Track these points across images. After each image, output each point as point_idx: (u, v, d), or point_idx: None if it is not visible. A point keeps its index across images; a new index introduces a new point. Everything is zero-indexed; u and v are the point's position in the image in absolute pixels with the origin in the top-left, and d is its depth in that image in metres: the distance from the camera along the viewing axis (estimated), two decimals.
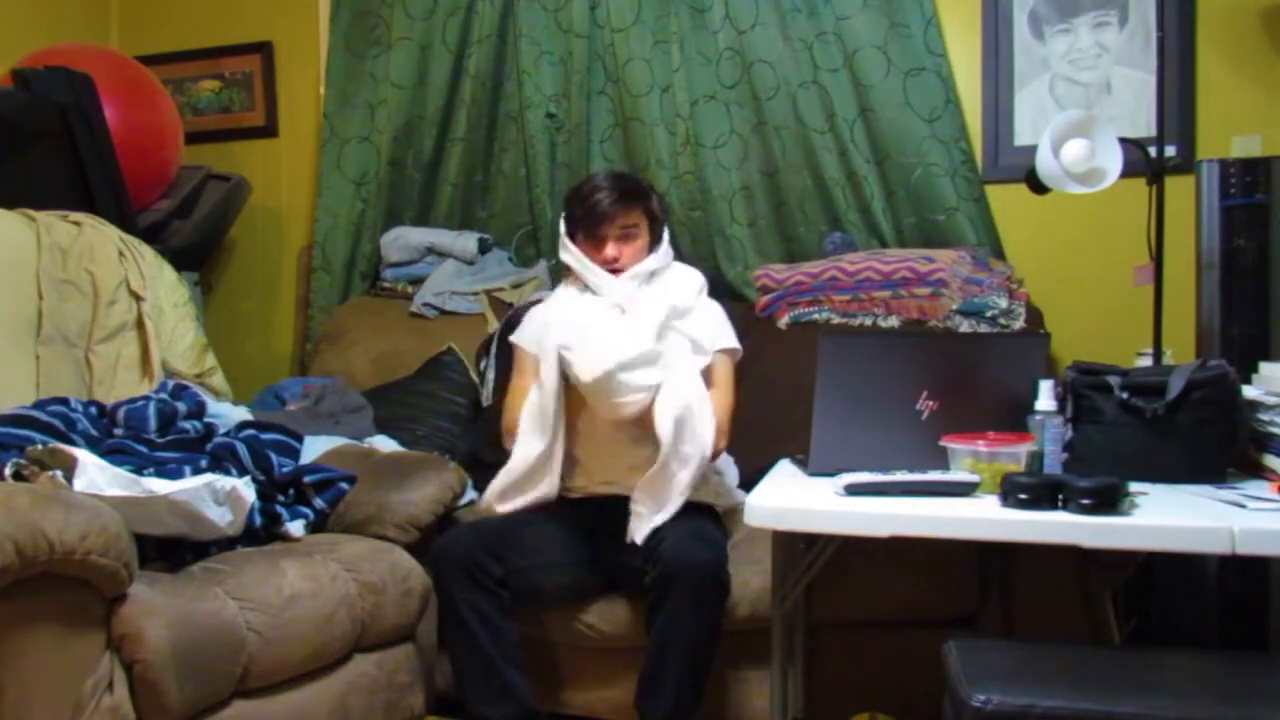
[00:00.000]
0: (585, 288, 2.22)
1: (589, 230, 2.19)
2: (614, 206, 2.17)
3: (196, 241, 3.20)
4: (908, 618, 2.07)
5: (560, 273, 2.42)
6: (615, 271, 2.18)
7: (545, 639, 2.17)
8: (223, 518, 1.79)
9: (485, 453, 2.61)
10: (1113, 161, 2.11)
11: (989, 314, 2.53)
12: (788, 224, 2.98)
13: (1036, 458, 1.69)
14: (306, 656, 1.79)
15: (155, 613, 1.54)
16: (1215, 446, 1.74)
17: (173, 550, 1.77)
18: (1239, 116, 2.64)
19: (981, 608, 2.05)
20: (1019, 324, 2.52)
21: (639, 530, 2.02)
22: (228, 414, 2.22)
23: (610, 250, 2.18)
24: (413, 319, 3.05)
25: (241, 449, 1.99)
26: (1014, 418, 1.75)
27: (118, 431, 1.98)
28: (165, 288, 2.49)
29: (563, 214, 2.26)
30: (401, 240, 3.20)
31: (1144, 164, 2.26)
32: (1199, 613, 2.19)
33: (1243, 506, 1.51)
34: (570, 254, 2.23)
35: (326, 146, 3.31)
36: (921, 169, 2.80)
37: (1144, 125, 2.66)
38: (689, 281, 2.25)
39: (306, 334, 3.33)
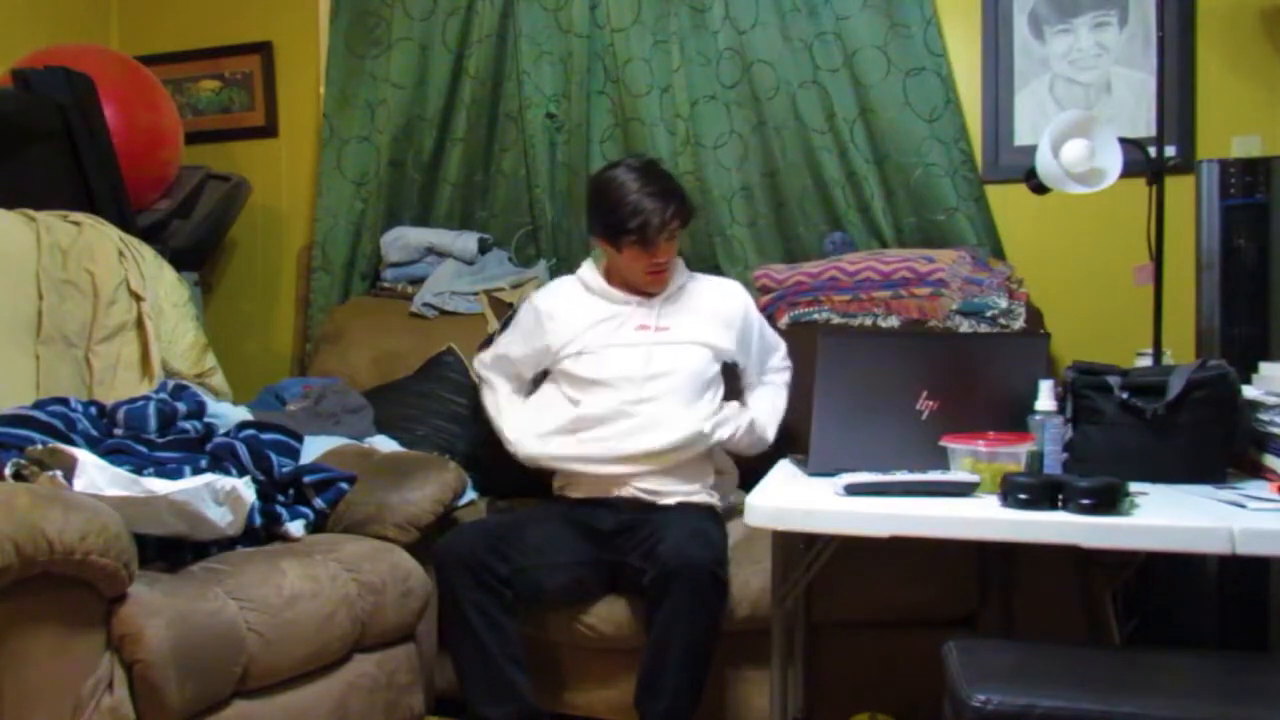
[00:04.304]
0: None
1: (643, 242, 2.22)
2: (673, 223, 2.23)
3: (196, 241, 3.20)
4: (908, 618, 2.07)
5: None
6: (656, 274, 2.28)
7: (547, 639, 2.17)
8: (223, 518, 1.79)
9: (485, 453, 2.61)
10: (1113, 161, 2.11)
11: (989, 314, 2.53)
12: (788, 224, 2.98)
13: (1036, 458, 1.69)
14: (306, 656, 1.79)
15: (155, 613, 1.54)
16: (1215, 446, 1.74)
17: (173, 550, 1.77)
18: (1239, 116, 2.64)
19: (981, 608, 2.05)
20: (1019, 324, 2.52)
21: None
22: (228, 414, 2.22)
23: (662, 256, 2.25)
24: (413, 319, 3.05)
25: (241, 449, 1.99)
26: (1014, 418, 1.75)
27: (118, 431, 1.98)
28: (165, 288, 2.49)
29: (602, 218, 2.27)
30: (401, 240, 3.20)
31: (1144, 164, 2.26)
32: (1199, 613, 2.19)
33: (1243, 506, 1.52)
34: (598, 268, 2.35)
35: (326, 146, 3.31)
36: (921, 169, 2.80)
37: (1144, 125, 2.66)
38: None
39: (306, 334, 3.33)
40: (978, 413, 1.77)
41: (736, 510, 2.20)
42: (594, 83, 3.10)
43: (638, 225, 2.18)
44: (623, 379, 2.22)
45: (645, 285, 2.29)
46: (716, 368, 2.31)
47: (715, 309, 2.33)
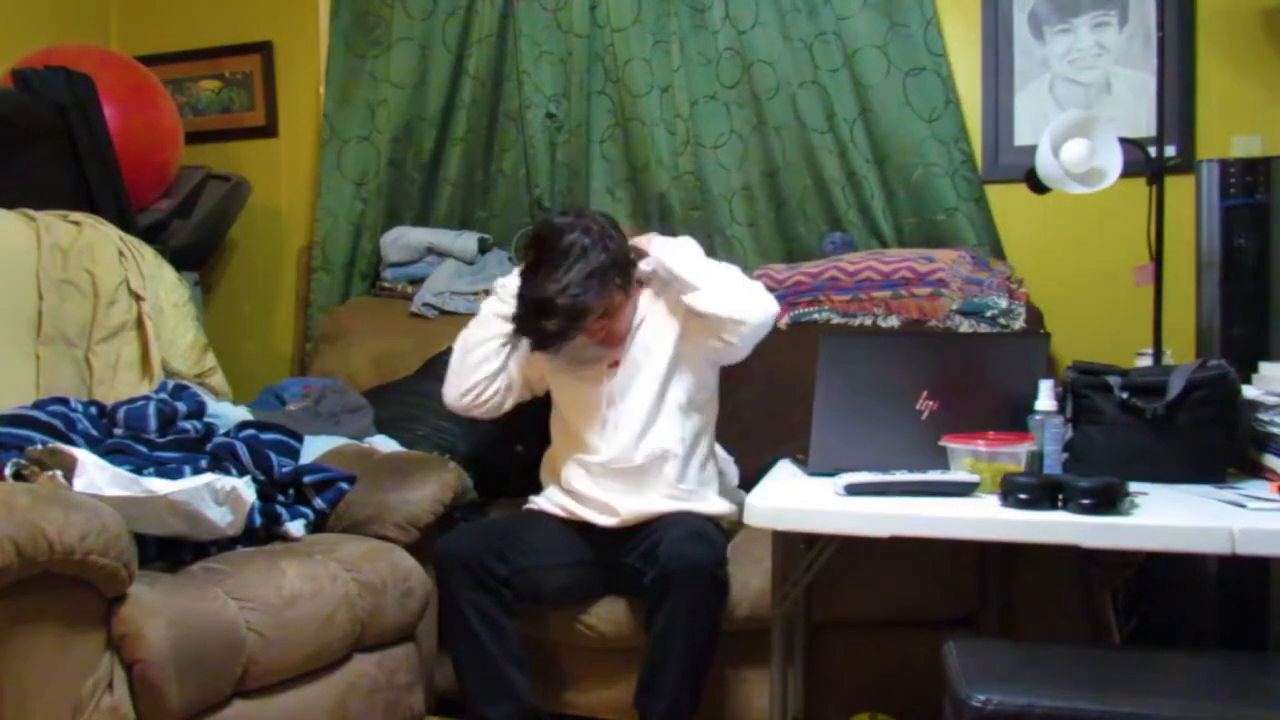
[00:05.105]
0: None
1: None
2: (570, 332, 2.02)
3: (196, 241, 3.20)
4: (908, 618, 2.07)
5: None
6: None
7: (546, 639, 2.17)
8: (223, 518, 1.79)
9: (485, 453, 2.61)
10: (1113, 161, 2.11)
11: (989, 314, 2.53)
12: (788, 224, 2.98)
13: (1036, 458, 1.69)
14: (306, 657, 1.79)
15: (155, 613, 1.54)
16: (1215, 446, 1.74)
17: (173, 550, 1.77)
18: (1239, 116, 2.63)
19: (981, 608, 2.05)
20: (1019, 324, 2.52)
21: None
22: (228, 414, 2.22)
23: (595, 336, 2.10)
24: (413, 319, 3.05)
25: (241, 449, 1.99)
26: (1014, 418, 1.75)
27: (118, 431, 1.98)
28: (165, 288, 2.49)
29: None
30: (401, 240, 3.20)
31: (1144, 164, 2.26)
32: (1199, 613, 2.19)
33: (1243, 506, 1.52)
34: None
35: (326, 146, 3.31)
36: (921, 169, 2.80)
37: (1144, 125, 2.66)
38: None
39: (306, 334, 3.33)
40: (978, 413, 1.77)
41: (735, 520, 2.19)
42: (594, 83, 3.10)
43: (535, 344, 2.06)
44: (582, 410, 2.16)
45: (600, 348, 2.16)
46: (682, 363, 2.15)
47: (666, 309, 2.17)
